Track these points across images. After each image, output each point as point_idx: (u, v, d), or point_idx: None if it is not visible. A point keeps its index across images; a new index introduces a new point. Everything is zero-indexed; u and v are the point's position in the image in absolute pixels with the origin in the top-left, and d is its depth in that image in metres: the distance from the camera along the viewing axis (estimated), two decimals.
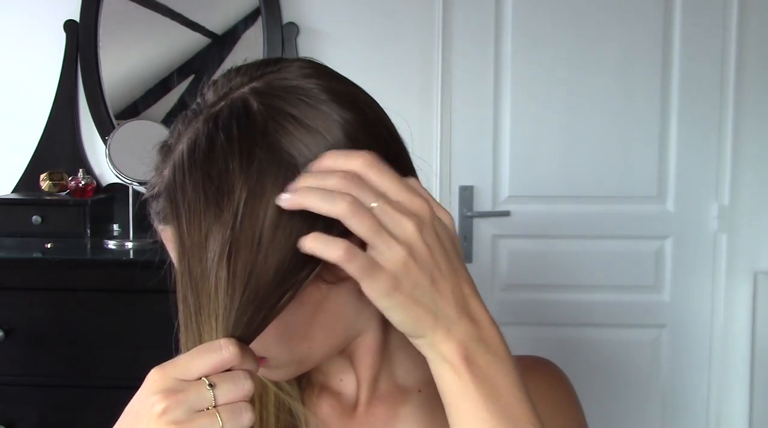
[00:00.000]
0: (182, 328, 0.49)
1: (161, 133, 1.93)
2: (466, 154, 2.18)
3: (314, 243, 0.47)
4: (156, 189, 0.55)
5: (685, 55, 2.13)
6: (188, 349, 0.48)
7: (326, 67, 0.57)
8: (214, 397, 0.45)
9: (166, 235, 0.55)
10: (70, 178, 2.12)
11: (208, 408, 0.45)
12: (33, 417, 1.76)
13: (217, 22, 2.22)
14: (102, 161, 2.17)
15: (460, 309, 0.50)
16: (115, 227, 2.21)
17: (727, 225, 2.16)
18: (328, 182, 0.47)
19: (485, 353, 0.50)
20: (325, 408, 0.66)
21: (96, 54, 2.22)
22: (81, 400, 1.76)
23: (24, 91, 2.25)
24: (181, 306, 0.49)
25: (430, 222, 0.49)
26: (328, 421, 0.65)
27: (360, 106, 0.55)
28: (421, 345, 0.50)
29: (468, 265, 2.22)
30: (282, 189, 0.49)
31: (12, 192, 2.23)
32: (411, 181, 0.51)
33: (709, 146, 2.15)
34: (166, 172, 0.53)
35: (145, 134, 1.95)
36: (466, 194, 2.17)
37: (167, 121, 2.15)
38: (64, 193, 2.13)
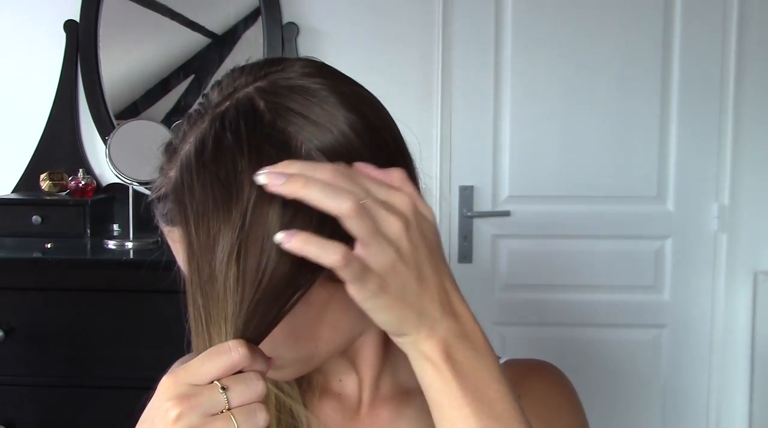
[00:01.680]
0: (192, 332, 0.49)
1: (161, 133, 1.93)
2: (466, 154, 2.18)
3: (309, 246, 0.44)
4: (162, 190, 0.54)
5: (685, 55, 2.13)
6: (199, 352, 0.47)
7: (329, 66, 0.57)
8: (227, 400, 0.45)
9: (173, 237, 0.54)
10: (70, 178, 2.12)
11: (222, 412, 0.45)
12: (33, 417, 1.76)
13: (217, 22, 2.22)
14: (102, 161, 2.17)
15: (443, 307, 0.49)
16: (115, 227, 2.21)
17: (727, 225, 2.15)
18: (321, 174, 0.45)
19: (466, 348, 0.49)
20: (327, 411, 0.65)
21: (96, 54, 2.22)
22: (81, 400, 1.76)
23: (24, 91, 2.25)
24: (191, 310, 0.49)
25: (414, 219, 0.48)
26: (331, 423, 0.65)
27: (364, 110, 0.54)
28: (404, 343, 0.50)
29: (468, 265, 2.22)
30: None
31: (12, 192, 2.23)
32: (394, 173, 0.49)
33: (709, 146, 2.15)
34: (173, 174, 0.52)
35: (145, 134, 1.95)
36: (466, 194, 2.17)
37: (167, 121, 2.15)
38: (64, 193, 2.13)
